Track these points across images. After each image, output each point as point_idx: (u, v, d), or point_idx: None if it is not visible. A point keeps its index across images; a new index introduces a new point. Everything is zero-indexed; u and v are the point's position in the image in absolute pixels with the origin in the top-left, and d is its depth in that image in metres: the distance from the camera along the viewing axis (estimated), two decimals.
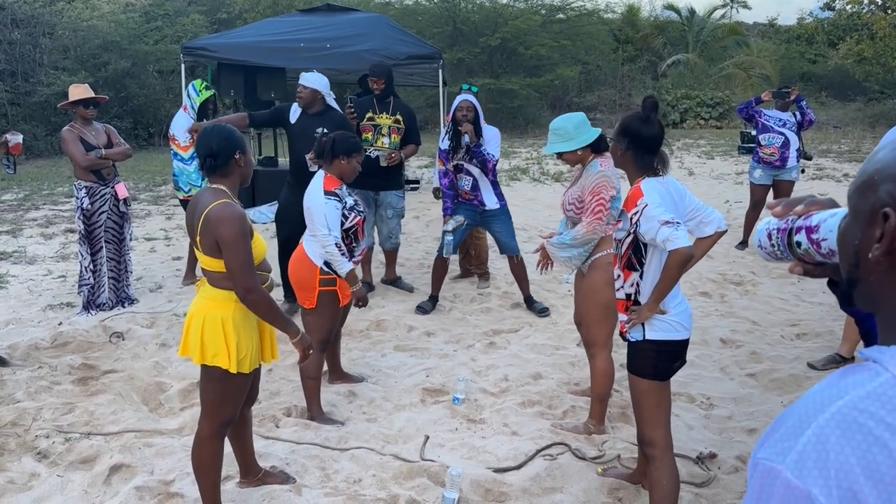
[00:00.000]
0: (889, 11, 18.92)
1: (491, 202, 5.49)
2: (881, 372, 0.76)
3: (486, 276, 6.43)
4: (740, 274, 6.64)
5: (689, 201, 2.82)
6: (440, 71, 9.03)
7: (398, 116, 5.85)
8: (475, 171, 5.41)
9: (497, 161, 5.46)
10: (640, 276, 2.63)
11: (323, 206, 3.65)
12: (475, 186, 5.44)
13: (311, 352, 2.86)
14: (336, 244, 3.64)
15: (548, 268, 3.78)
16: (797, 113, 7.13)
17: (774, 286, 6.29)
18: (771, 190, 7.29)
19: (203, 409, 2.81)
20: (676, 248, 2.45)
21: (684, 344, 2.65)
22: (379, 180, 5.85)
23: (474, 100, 5.35)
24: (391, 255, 6.28)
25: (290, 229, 5.16)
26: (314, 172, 4.84)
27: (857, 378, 0.77)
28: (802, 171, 7.34)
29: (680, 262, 2.47)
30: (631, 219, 2.59)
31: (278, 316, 2.68)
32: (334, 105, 5.39)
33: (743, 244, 7.58)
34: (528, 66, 21.12)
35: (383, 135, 5.83)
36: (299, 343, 2.79)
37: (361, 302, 3.86)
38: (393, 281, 6.31)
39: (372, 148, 5.80)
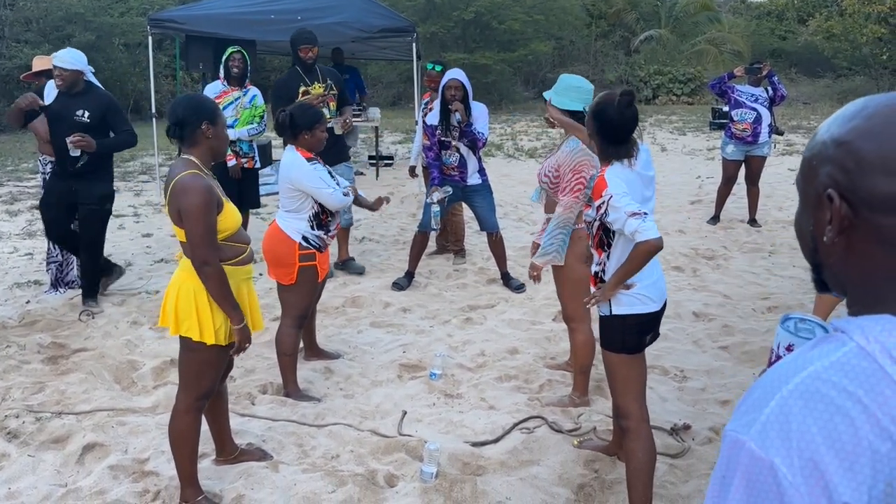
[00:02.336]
0: None
1: (473, 178, 5.47)
2: (847, 341, 0.77)
3: (462, 252, 6.42)
4: (712, 248, 6.71)
5: (651, 191, 2.81)
6: (414, 45, 8.93)
7: (329, 82, 5.60)
8: (463, 149, 5.37)
9: (486, 140, 5.42)
10: (608, 257, 2.67)
11: (312, 171, 3.63)
12: (462, 163, 5.40)
13: (247, 345, 2.76)
14: (344, 193, 3.72)
15: (539, 278, 3.68)
16: (769, 88, 7.17)
17: (746, 260, 6.37)
18: (743, 165, 7.36)
19: (181, 382, 2.79)
20: (646, 239, 2.46)
21: (652, 316, 2.66)
22: (330, 155, 5.46)
23: (464, 78, 5.26)
24: (344, 233, 6.03)
25: (55, 213, 4.92)
26: (77, 157, 4.68)
27: (824, 349, 0.78)
28: (774, 147, 7.39)
29: (647, 253, 2.49)
30: (598, 207, 2.60)
31: (227, 295, 2.63)
32: (95, 81, 4.96)
33: (715, 219, 7.65)
34: (501, 40, 20.97)
35: (322, 105, 5.50)
36: (239, 332, 2.70)
37: (386, 200, 4.13)
38: (345, 262, 6.03)
39: None
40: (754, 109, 7.08)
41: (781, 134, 7.54)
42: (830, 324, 0.83)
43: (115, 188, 5.13)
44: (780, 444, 0.72)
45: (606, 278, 2.66)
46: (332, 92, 5.61)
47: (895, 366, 0.73)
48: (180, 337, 2.72)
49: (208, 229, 2.57)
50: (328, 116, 5.51)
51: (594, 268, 2.74)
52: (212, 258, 2.58)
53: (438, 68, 6.19)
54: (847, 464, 0.70)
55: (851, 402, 0.72)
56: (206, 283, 2.61)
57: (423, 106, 6.46)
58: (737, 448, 0.75)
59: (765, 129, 7.12)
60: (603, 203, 2.57)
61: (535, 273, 3.66)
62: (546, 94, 3.64)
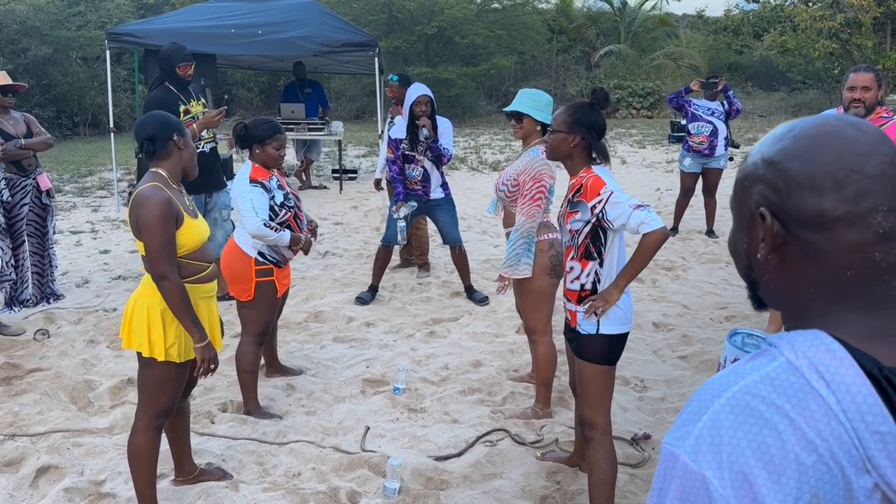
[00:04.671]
0: (810, 4, 19.59)
1: (436, 192, 5.49)
2: (777, 356, 0.79)
3: (426, 265, 6.43)
4: (671, 259, 6.81)
5: None
6: (377, 59, 8.96)
7: (205, 100, 5.46)
8: (427, 163, 5.39)
9: (451, 155, 5.46)
10: (600, 265, 2.64)
11: (248, 192, 3.60)
12: (425, 177, 5.42)
13: (213, 367, 2.71)
14: (265, 224, 3.58)
15: (506, 288, 3.65)
16: (725, 102, 7.34)
17: (704, 271, 6.48)
18: (700, 178, 7.51)
19: (139, 399, 2.76)
20: (653, 229, 2.50)
21: (626, 335, 2.71)
22: (209, 179, 5.15)
23: (431, 94, 5.31)
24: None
25: None
26: None
27: (756, 363, 0.80)
28: (730, 159, 7.56)
29: (657, 243, 2.52)
30: (592, 208, 2.58)
31: (187, 311, 2.60)
32: None
33: (673, 230, 7.78)
34: (464, 55, 21.13)
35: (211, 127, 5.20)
36: (200, 351, 2.66)
37: (305, 248, 3.80)
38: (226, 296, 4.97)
39: (202, 142, 5.24)
40: (711, 123, 7.23)
41: (737, 147, 7.71)
42: (767, 338, 0.86)
43: None
44: (712, 458, 0.74)
45: (601, 287, 2.64)
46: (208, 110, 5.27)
47: (821, 381, 0.75)
48: (138, 354, 2.69)
49: (166, 243, 2.55)
50: (209, 136, 5.29)
51: (581, 280, 2.67)
52: (170, 272, 2.56)
53: (395, 78, 6.28)
54: (775, 476, 0.72)
55: (779, 416, 0.74)
56: (165, 299, 2.58)
57: (390, 119, 6.48)
58: (672, 461, 0.78)
59: (721, 142, 7.27)
60: (601, 201, 2.56)
61: (502, 284, 3.63)
62: (522, 108, 3.59)
